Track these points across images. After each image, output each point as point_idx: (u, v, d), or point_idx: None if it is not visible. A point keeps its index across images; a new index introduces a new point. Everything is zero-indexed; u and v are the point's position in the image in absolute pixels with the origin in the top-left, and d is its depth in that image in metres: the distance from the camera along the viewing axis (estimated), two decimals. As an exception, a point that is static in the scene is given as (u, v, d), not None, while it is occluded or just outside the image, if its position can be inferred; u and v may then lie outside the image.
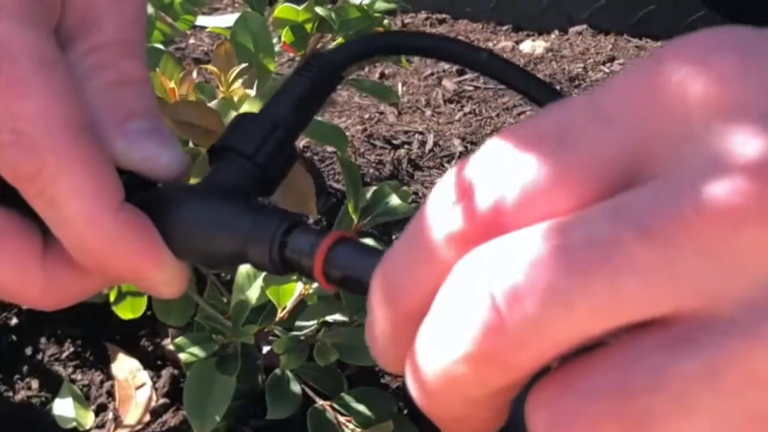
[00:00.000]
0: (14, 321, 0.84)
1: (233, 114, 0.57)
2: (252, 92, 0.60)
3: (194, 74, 0.58)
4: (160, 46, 0.70)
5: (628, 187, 0.22)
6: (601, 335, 0.22)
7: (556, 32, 1.33)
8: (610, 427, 0.21)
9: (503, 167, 0.23)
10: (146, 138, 0.34)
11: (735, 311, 0.21)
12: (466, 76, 1.22)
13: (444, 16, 1.38)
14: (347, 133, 0.97)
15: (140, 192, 0.33)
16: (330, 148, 1.02)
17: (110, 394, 0.80)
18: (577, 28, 1.34)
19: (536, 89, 0.37)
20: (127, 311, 0.74)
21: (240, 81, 0.58)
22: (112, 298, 0.73)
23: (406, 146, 1.07)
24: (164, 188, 0.34)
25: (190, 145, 0.58)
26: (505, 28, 1.35)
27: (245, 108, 0.57)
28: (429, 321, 0.24)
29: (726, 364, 0.20)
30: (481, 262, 0.22)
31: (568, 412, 0.22)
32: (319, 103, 0.37)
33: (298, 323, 0.67)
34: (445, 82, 1.20)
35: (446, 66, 1.23)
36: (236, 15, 0.66)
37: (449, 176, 0.24)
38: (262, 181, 0.35)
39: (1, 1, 0.31)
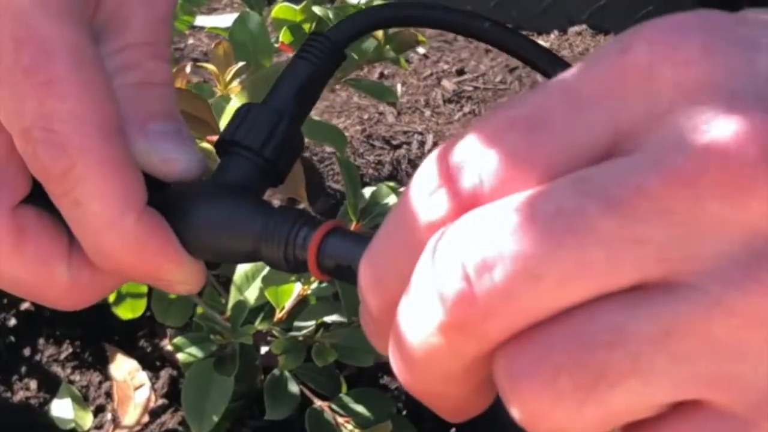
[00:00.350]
0: (12, 322, 0.84)
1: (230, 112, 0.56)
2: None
3: (188, 69, 0.58)
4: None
5: None
6: (572, 306, 0.22)
7: (556, 32, 1.33)
8: (567, 380, 0.21)
9: (481, 155, 0.23)
10: (166, 140, 0.34)
11: (697, 279, 0.21)
12: (466, 77, 1.22)
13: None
14: (346, 134, 0.97)
15: (155, 192, 0.33)
16: (329, 149, 1.02)
17: (109, 394, 0.80)
18: (577, 28, 1.34)
19: (538, 56, 0.36)
20: (127, 311, 0.74)
21: (238, 80, 0.58)
22: (111, 299, 0.73)
23: (405, 146, 1.07)
24: (177, 187, 0.34)
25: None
26: (504, 28, 1.35)
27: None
28: (406, 296, 0.24)
29: (683, 328, 0.21)
30: (452, 235, 0.23)
31: (527, 363, 0.22)
32: (322, 84, 0.37)
33: (297, 324, 0.67)
34: (445, 83, 1.20)
35: (446, 66, 1.23)
36: (235, 15, 0.66)
37: (428, 164, 0.24)
38: (271, 174, 0.35)
39: None
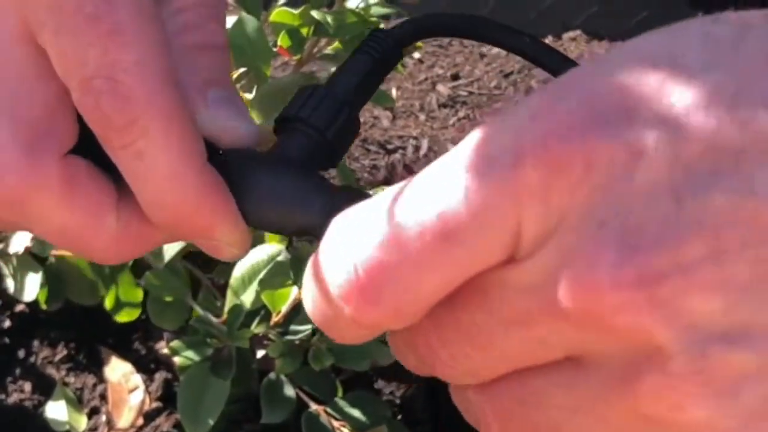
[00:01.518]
0: (7, 324, 0.84)
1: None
2: (250, 96, 0.60)
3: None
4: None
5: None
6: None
7: (550, 38, 1.34)
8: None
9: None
10: (226, 107, 0.34)
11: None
12: (461, 81, 1.22)
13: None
14: (342, 138, 0.97)
15: (210, 154, 0.33)
16: (324, 152, 1.02)
17: (103, 397, 0.80)
18: (571, 33, 1.34)
19: None
20: (122, 314, 0.74)
21: (238, 86, 0.58)
22: (108, 306, 0.73)
23: (400, 151, 1.07)
24: (234, 154, 0.34)
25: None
26: (499, 33, 1.35)
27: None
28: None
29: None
30: None
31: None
32: (380, 79, 0.38)
33: (293, 327, 0.67)
34: (440, 87, 1.20)
35: (440, 71, 1.23)
36: (233, 18, 0.66)
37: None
38: (328, 156, 0.35)
39: None
